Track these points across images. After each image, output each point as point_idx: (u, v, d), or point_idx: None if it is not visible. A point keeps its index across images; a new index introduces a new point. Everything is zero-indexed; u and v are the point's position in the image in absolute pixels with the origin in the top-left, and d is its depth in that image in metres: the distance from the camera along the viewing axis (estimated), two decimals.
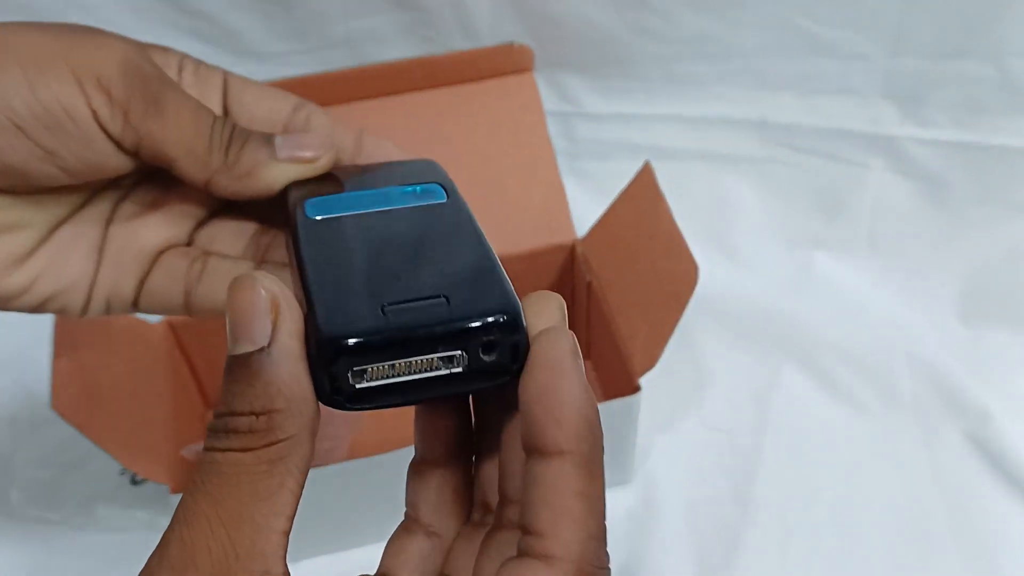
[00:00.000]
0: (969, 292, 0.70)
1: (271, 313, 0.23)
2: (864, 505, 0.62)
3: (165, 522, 0.61)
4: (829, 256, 0.72)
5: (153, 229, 0.35)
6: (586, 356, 0.68)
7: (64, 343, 0.51)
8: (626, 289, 0.59)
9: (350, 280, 0.25)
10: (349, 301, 0.24)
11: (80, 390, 0.51)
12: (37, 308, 0.34)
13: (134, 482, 0.62)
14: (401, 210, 0.29)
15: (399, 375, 0.24)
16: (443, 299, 0.24)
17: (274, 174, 0.32)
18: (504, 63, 0.65)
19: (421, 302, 0.24)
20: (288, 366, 0.23)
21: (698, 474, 0.63)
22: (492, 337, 0.24)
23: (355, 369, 0.24)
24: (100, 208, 0.35)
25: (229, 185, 0.32)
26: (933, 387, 0.66)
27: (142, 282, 0.35)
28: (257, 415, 0.23)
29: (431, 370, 0.24)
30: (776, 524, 0.61)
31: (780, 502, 0.62)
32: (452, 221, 0.29)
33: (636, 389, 0.55)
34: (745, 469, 0.63)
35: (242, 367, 0.23)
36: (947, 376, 0.66)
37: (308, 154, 0.33)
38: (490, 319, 0.24)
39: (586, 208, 0.66)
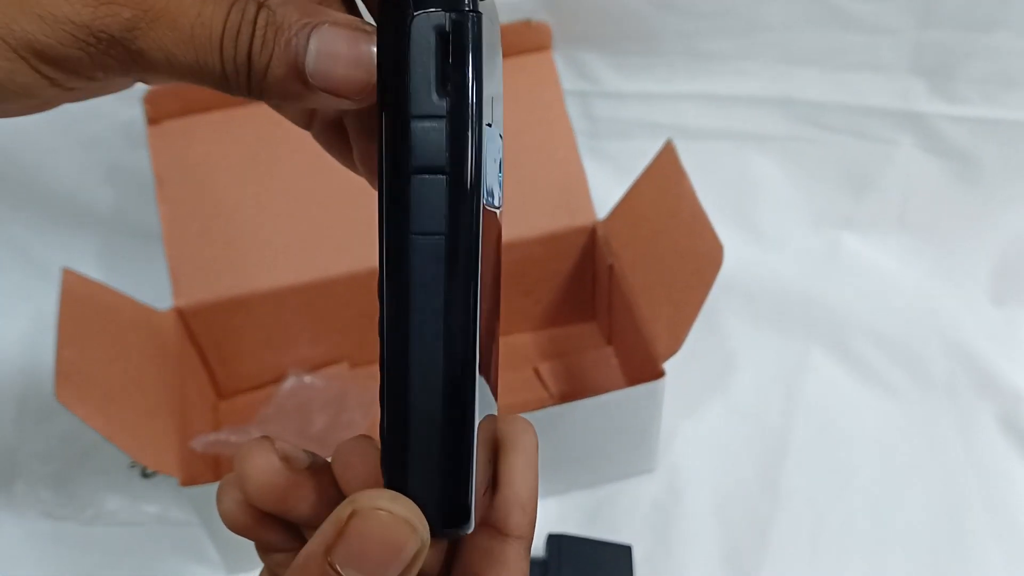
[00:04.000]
0: (1001, 271, 0.68)
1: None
2: (897, 490, 0.60)
3: (175, 515, 0.60)
4: (857, 236, 0.70)
5: None
6: (608, 341, 0.67)
7: (68, 333, 0.50)
8: (648, 271, 0.58)
9: None
10: None
11: (86, 380, 0.50)
12: None
13: (144, 475, 0.61)
14: None
15: None
16: None
17: (307, 100, 0.25)
18: (521, 40, 0.63)
19: None
20: None
21: (725, 461, 0.62)
22: None
23: None
24: None
25: (248, 96, 0.25)
26: (966, 368, 0.65)
27: None
28: None
29: None
30: (806, 511, 0.59)
31: (810, 488, 0.60)
32: None
33: (660, 374, 0.54)
34: (773, 455, 0.62)
35: None
36: (980, 357, 0.65)
37: (347, 88, 0.24)
38: None
39: (607, 189, 0.64)
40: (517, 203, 0.62)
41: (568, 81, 0.66)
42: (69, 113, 0.67)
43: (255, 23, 0.24)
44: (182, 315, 0.59)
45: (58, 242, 0.70)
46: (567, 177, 0.63)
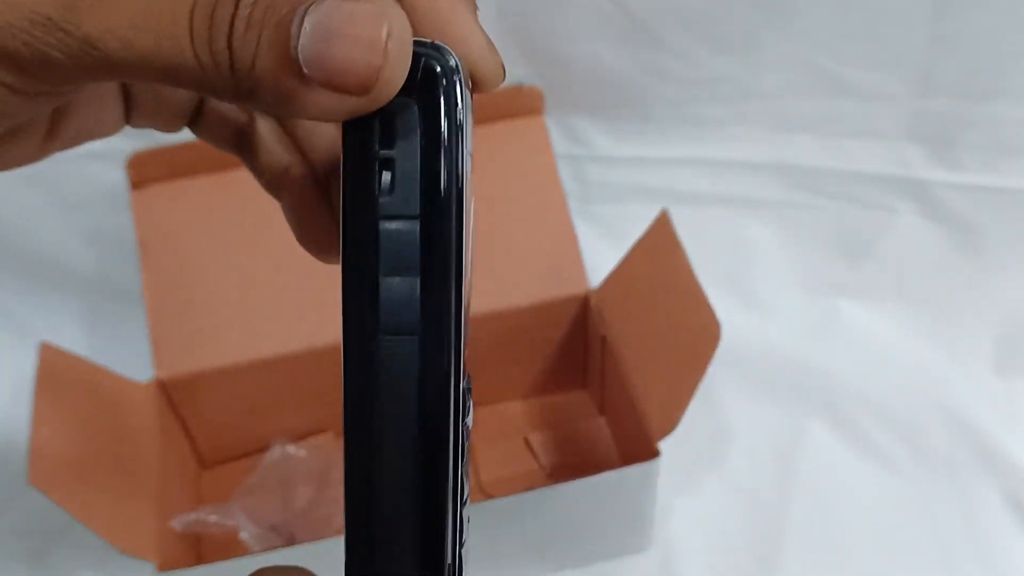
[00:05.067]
0: (1003, 342, 0.66)
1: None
2: (897, 569, 0.58)
3: None
4: (855, 303, 0.69)
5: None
6: (601, 411, 0.65)
7: (44, 412, 0.48)
8: (642, 345, 0.56)
9: None
10: None
11: (61, 461, 0.48)
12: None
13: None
14: None
15: None
16: None
17: (304, 102, 0.19)
18: (513, 105, 0.62)
19: None
20: None
21: (720, 538, 0.60)
22: None
23: None
24: None
25: (236, 98, 0.20)
26: (967, 442, 0.63)
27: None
28: None
29: None
30: None
31: (808, 566, 0.59)
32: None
33: (655, 454, 0.52)
34: (770, 531, 0.60)
35: None
36: (982, 430, 0.63)
37: (348, 78, 0.19)
38: None
39: (600, 254, 0.63)
40: (508, 270, 0.62)
41: (560, 145, 0.65)
42: (52, 175, 0.66)
43: None
44: (163, 387, 0.58)
45: (41, 304, 0.69)
46: (559, 244, 0.61)
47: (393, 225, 0.21)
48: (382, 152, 0.20)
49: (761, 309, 0.68)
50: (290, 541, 0.55)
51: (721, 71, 0.62)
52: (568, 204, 0.62)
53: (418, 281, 0.21)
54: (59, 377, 0.51)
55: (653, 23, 0.61)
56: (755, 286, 0.69)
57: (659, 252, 0.55)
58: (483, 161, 0.68)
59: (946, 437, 0.64)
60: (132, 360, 0.60)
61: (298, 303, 0.59)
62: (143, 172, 0.59)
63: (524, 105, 0.62)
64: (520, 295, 0.61)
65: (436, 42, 0.20)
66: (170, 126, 0.28)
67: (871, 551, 0.59)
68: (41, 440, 0.48)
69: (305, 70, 0.19)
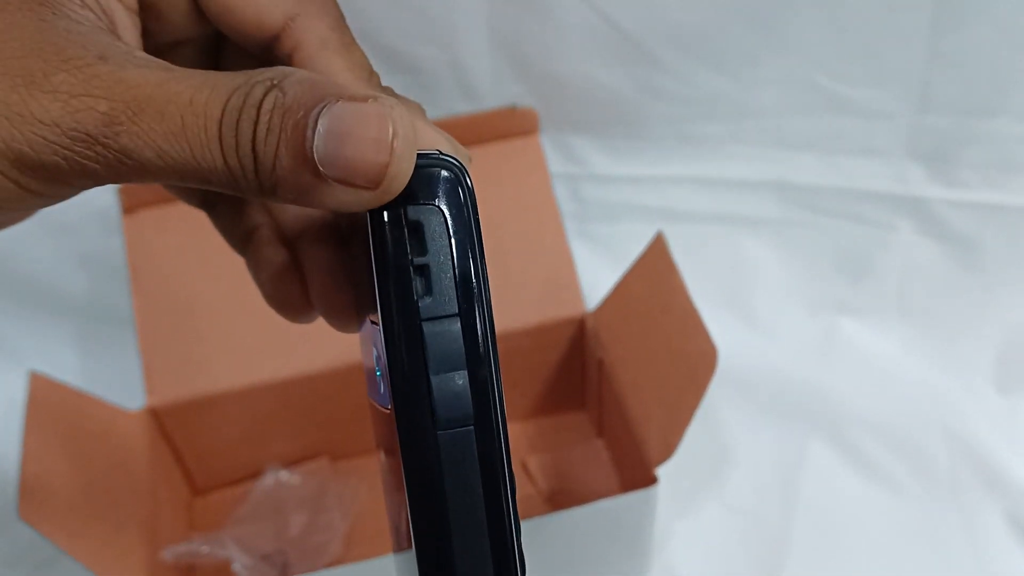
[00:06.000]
0: (1005, 359, 0.66)
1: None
2: None
3: None
4: (855, 322, 0.68)
5: None
6: (599, 433, 0.64)
7: (34, 447, 0.48)
8: (639, 369, 0.56)
9: None
10: None
11: (50, 495, 0.47)
12: None
13: None
14: None
15: None
16: None
17: (322, 196, 0.21)
18: (507, 126, 0.61)
19: None
20: None
21: (722, 561, 0.59)
22: None
23: None
24: None
25: (261, 195, 0.22)
26: (971, 462, 0.62)
27: None
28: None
29: None
30: None
31: None
32: None
33: (653, 480, 0.51)
34: (772, 554, 0.59)
35: None
36: (985, 449, 0.62)
37: (359, 175, 0.21)
38: None
39: (596, 273, 0.63)
40: (504, 292, 0.61)
41: (556, 164, 0.64)
42: None
43: (260, 107, 0.20)
44: (155, 414, 0.57)
45: (32, 328, 0.68)
46: (555, 266, 0.61)
47: (435, 326, 0.22)
48: (416, 260, 0.22)
49: (760, 328, 0.68)
50: (284, 571, 0.55)
51: (717, 89, 0.62)
52: (565, 224, 0.61)
53: (465, 374, 0.23)
54: (49, 408, 0.50)
55: (648, 41, 0.60)
56: (754, 305, 0.68)
57: (655, 275, 0.55)
58: (478, 183, 0.67)
59: (948, 456, 0.63)
60: (124, 383, 0.59)
61: (290, 329, 0.58)
62: (135, 197, 0.59)
63: (518, 126, 0.62)
64: (516, 318, 0.60)
65: (441, 152, 0.23)
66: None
67: (874, 572, 0.58)
68: (31, 473, 0.47)
69: (321, 168, 0.20)
